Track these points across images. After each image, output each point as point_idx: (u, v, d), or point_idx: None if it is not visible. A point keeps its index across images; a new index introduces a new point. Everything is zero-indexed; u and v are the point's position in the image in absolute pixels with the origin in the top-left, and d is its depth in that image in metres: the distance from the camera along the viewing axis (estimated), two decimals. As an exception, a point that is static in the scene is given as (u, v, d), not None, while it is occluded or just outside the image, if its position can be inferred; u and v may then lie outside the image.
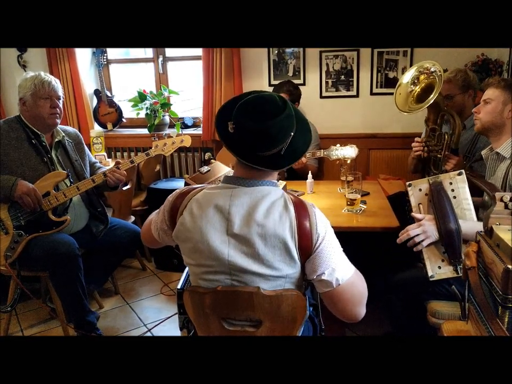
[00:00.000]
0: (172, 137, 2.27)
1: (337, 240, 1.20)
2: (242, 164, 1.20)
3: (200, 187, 1.26)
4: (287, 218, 1.14)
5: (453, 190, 1.48)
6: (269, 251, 1.13)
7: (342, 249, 1.21)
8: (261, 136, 1.12)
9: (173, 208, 1.26)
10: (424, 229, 1.50)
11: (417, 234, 1.52)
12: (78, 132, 2.43)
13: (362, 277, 1.23)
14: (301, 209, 1.15)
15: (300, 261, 1.16)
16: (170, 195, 1.31)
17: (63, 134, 2.28)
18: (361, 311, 1.20)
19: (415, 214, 1.55)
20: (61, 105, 2.20)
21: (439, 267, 1.52)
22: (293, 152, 1.18)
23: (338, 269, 1.15)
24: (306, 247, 1.14)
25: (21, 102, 2.17)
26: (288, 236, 1.13)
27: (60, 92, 2.20)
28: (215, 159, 3.25)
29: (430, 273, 1.52)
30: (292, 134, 1.15)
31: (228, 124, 1.16)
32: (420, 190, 1.52)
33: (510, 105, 1.70)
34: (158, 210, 1.37)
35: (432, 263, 1.52)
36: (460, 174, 1.47)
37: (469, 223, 1.48)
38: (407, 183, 1.58)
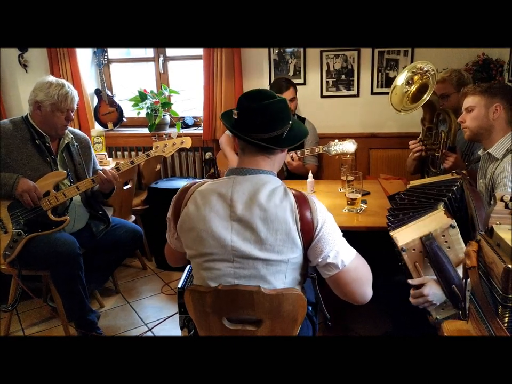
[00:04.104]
0: (173, 138, 2.27)
1: (337, 225, 1.25)
2: (246, 153, 1.27)
3: (203, 181, 1.31)
4: (288, 203, 1.19)
5: (446, 242, 1.46)
6: (270, 235, 1.17)
7: (342, 233, 1.26)
8: (263, 114, 1.20)
9: (177, 204, 1.30)
10: (427, 299, 1.42)
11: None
12: (88, 138, 2.43)
13: (364, 260, 1.28)
14: (300, 198, 1.22)
15: (302, 245, 1.19)
16: (172, 200, 1.34)
17: (71, 136, 2.29)
18: (369, 291, 1.26)
19: (411, 281, 1.46)
20: (73, 115, 2.21)
21: (442, 309, 1.47)
22: (294, 136, 1.29)
23: (341, 251, 1.21)
24: (308, 231, 1.18)
25: (35, 105, 2.14)
26: (289, 219, 1.17)
27: (76, 104, 2.21)
28: (215, 159, 3.26)
29: (435, 317, 1.46)
30: (290, 122, 1.26)
31: (231, 115, 1.25)
32: (414, 250, 1.45)
33: (492, 107, 1.73)
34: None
35: (437, 308, 1.46)
36: (452, 226, 1.43)
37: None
38: (400, 246, 1.44)
